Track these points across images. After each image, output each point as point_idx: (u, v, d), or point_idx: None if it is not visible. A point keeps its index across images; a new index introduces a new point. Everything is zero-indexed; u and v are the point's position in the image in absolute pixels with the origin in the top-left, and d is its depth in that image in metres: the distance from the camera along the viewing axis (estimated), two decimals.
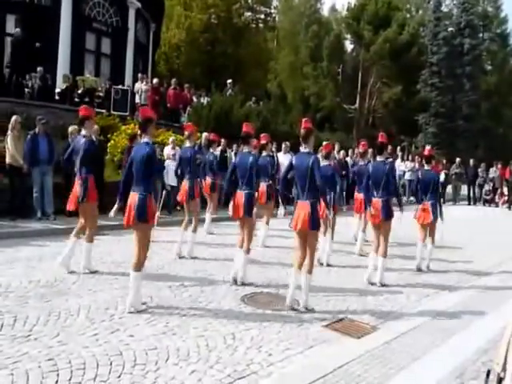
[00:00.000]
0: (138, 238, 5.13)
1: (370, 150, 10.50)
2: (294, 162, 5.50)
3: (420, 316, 5.31)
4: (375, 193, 6.79)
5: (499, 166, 20.51)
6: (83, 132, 6.65)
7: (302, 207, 5.33)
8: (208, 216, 9.99)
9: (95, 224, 6.68)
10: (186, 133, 8.34)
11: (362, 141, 10.04)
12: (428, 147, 8.81)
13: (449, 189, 22.38)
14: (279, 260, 7.83)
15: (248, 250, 6.37)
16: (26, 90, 14.36)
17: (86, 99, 14.71)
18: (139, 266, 5.07)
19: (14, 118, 9.71)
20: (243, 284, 6.20)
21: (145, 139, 5.34)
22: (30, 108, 12.20)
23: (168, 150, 11.72)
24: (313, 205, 5.29)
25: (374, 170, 6.82)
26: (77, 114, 12.63)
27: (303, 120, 5.66)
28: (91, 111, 7.01)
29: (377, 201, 6.72)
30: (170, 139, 12.20)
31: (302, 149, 5.53)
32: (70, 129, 10.45)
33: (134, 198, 5.15)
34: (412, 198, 19.35)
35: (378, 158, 6.93)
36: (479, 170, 21.12)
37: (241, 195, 6.36)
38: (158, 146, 10.88)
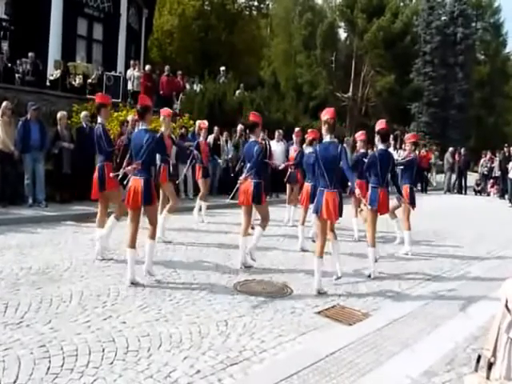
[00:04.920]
0: (149, 219, 5.70)
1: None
2: (318, 151, 5.56)
3: (412, 303, 5.35)
4: (381, 182, 6.58)
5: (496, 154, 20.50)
6: (99, 120, 6.63)
7: (331, 196, 5.46)
8: (198, 203, 9.95)
9: (122, 210, 6.59)
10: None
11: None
12: (410, 134, 8.78)
13: (440, 177, 22.53)
14: (272, 247, 7.84)
15: (264, 226, 6.60)
16: (17, 75, 14.17)
17: (77, 85, 14.57)
18: (153, 236, 5.75)
19: (4, 103, 9.60)
20: (251, 260, 6.44)
21: (143, 126, 5.65)
22: (21, 94, 12.07)
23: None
24: (340, 194, 5.52)
25: (383, 158, 6.52)
26: (69, 100, 12.79)
27: (330, 110, 5.70)
28: (107, 98, 6.94)
29: (384, 191, 6.58)
30: None
31: (328, 138, 5.58)
32: (59, 115, 10.37)
33: (137, 182, 5.45)
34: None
35: (382, 146, 6.58)
36: (482, 159, 21.13)
37: (249, 184, 6.37)
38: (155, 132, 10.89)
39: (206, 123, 10.05)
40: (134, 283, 5.43)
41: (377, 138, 6.63)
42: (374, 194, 6.53)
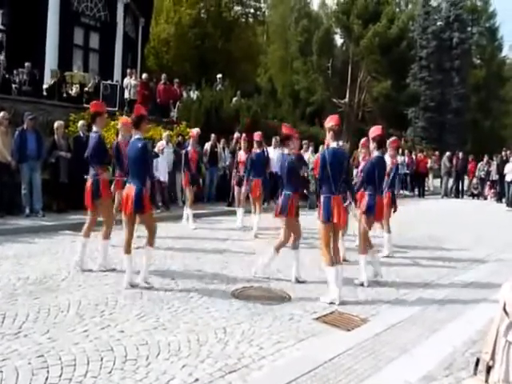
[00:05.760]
0: (145, 225, 5.92)
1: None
2: (327, 157, 5.49)
3: (410, 308, 5.35)
4: (378, 189, 6.49)
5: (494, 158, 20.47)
6: (94, 128, 6.57)
7: (338, 202, 5.52)
8: (186, 211, 10.11)
9: (111, 220, 6.60)
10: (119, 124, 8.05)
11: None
12: (392, 139, 8.77)
13: (437, 182, 22.57)
14: None
15: (296, 241, 6.46)
16: (14, 85, 14.20)
17: (74, 94, 14.61)
18: (151, 242, 5.82)
19: (1, 113, 9.61)
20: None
21: (137, 135, 5.78)
22: (18, 104, 12.08)
23: (161, 145, 11.70)
24: (344, 199, 5.71)
25: (380, 165, 6.46)
26: (65, 110, 12.81)
27: (334, 117, 5.72)
28: (103, 107, 6.89)
29: (380, 198, 6.52)
30: (164, 134, 12.21)
31: (335, 145, 5.56)
32: (56, 124, 10.38)
33: (130, 189, 5.65)
34: (401, 192, 19.54)
35: (378, 153, 6.44)
36: (480, 163, 21.15)
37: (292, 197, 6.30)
38: (148, 141, 10.91)
39: (193, 131, 10.41)
40: (133, 286, 5.63)
41: (373, 145, 6.50)
42: (371, 202, 6.37)
